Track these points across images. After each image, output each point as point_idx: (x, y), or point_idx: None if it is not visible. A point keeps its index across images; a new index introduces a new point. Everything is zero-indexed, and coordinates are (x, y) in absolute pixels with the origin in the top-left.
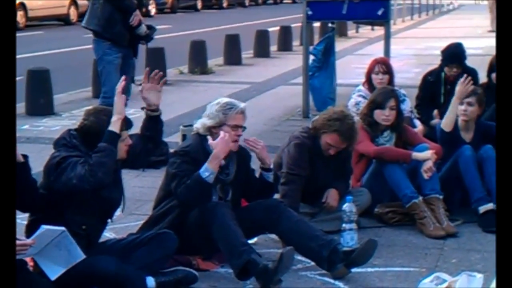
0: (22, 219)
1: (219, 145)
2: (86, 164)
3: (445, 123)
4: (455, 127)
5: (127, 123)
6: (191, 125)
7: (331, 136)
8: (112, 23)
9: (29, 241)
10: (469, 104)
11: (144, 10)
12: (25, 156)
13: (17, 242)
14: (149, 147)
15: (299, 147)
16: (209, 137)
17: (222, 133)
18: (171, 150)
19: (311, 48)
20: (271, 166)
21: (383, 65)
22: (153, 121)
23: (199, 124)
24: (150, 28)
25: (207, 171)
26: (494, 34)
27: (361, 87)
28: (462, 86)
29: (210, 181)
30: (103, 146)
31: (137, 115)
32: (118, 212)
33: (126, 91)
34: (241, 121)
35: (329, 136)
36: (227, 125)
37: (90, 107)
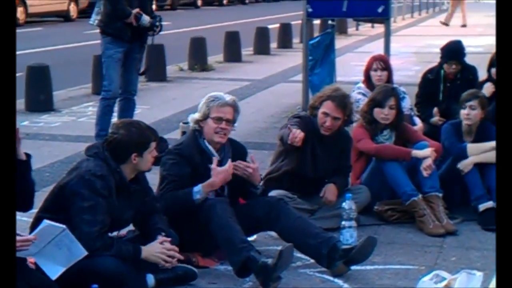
0: (24, 215)
1: (220, 175)
2: (104, 227)
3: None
4: (459, 132)
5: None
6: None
7: (325, 105)
8: (113, 18)
9: (31, 236)
10: (472, 107)
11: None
12: (27, 155)
13: (19, 238)
14: None
15: (298, 118)
16: (214, 159)
17: (227, 166)
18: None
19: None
20: (260, 184)
21: (381, 62)
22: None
23: (189, 118)
24: (155, 17)
25: (199, 194)
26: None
27: (360, 85)
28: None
29: (197, 202)
30: (130, 252)
31: (138, 111)
32: (124, 231)
33: (133, 86)
34: (226, 114)
35: (323, 106)
36: (210, 117)
37: (117, 121)
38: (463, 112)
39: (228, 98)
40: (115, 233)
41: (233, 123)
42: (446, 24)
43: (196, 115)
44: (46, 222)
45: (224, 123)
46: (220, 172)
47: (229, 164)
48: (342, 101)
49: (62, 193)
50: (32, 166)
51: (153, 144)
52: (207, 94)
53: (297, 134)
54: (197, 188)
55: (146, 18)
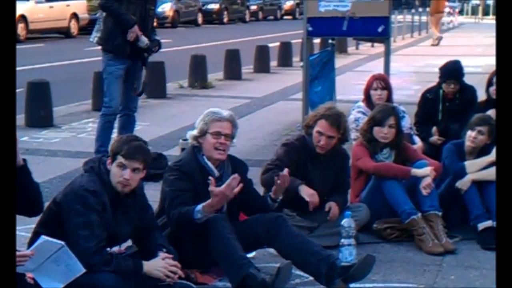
0: (22, 230)
1: (219, 195)
2: (101, 242)
3: (471, 169)
4: (461, 152)
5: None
6: None
7: (320, 124)
8: (113, 36)
9: (28, 252)
10: (480, 132)
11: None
12: (24, 160)
13: (17, 253)
14: None
15: (286, 146)
16: (212, 180)
17: (223, 187)
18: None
19: None
20: (279, 199)
21: (381, 81)
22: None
23: (188, 135)
24: (153, 40)
25: (200, 213)
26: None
27: (360, 103)
28: None
29: (200, 221)
30: (130, 267)
31: (138, 128)
32: (122, 247)
33: (134, 103)
34: (224, 129)
35: (318, 125)
36: (208, 133)
37: (118, 136)
38: (470, 134)
39: (226, 113)
40: (114, 249)
41: (231, 138)
42: (435, 44)
43: (195, 132)
44: (43, 238)
45: (223, 138)
46: (217, 194)
47: (225, 185)
48: (336, 119)
49: (57, 209)
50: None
51: (120, 158)
52: (205, 111)
53: (314, 200)
54: (198, 207)
55: (144, 40)
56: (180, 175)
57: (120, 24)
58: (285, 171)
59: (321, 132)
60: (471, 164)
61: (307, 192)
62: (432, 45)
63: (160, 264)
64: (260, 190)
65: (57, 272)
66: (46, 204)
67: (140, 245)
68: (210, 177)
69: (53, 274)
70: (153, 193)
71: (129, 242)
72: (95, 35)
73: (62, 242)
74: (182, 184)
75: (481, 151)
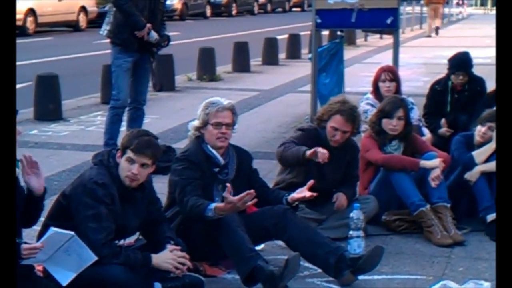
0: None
1: (231, 204)
2: (110, 234)
3: (479, 158)
4: (470, 144)
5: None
6: None
7: (335, 119)
8: (122, 29)
9: (38, 244)
10: (491, 128)
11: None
12: (44, 188)
13: (26, 246)
14: None
15: (302, 130)
16: (228, 187)
17: (236, 198)
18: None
19: None
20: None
21: (390, 73)
22: (33, 202)
23: (190, 126)
24: (162, 36)
25: (211, 212)
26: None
27: (369, 95)
28: None
29: (206, 219)
30: (138, 259)
31: (147, 121)
32: (132, 239)
33: (143, 96)
34: (225, 118)
35: (332, 120)
36: (210, 123)
37: (130, 131)
38: (480, 129)
39: (226, 102)
40: (122, 242)
41: (233, 126)
42: (429, 36)
43: (196, 123)
44: (52, 229)
45: (224, 127)
46: (229, 202)
47: (239, 197)
48: (351, 114)
49: (66, 202)
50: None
51: (129, 152)
52: (204, 101)
53: (325, 154)
54: (211, 206)
55: (154, 35)
56: (188, 165)
57: (130, 24)
58: (310, 183)
59: (337, 127)
60: (478, 154)
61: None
62: (427, 36)
63: (169, 257)
64: (269, 183)
65: (68, 262)
66: (55, 197)
67: (148, 237)
68: (227, 184)
69: (65, 263)
70: (162, 186)
71: (138, 235)
72: (105, 28)
73: (72, 232)
74: (191, 173)
75: None
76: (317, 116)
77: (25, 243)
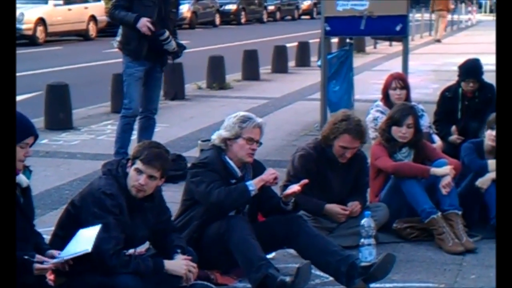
0: (43, 233)
1: (268, 175)
2: (118, 244)
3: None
4: (480, 151)
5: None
6: (209, 140)
7: (343, 138)
8: (129, 39)
9: (49, 266)
10: None
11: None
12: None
13: (38, 266)
14: None
15: (303, 158)
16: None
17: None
18: (189, 165)
19: None
20: (291, 201)
21: (400, 81)
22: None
23: (215, 135)
24: (180, 46)
25: (252, 186)
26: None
27: (379, 103)
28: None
29: (251, 195)
30: (149, 267)
31: (157, 130)
32: (142, 248)
33: (154, 104)
34: (257, 135)
35: (340, 139)
36: (242, 137)
37: (142, 141)
38: (490, 133)
39: (259, 120)
40: (131, 251)
41: (260, 143)
42: (438, 40)
43: (225, 134)
44: (71, 252)
45: (255, 144)
46: (272, 173)
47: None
48: (358, 131)
49: (75, 211)
50: (49, 180)
51: (138, 162)
52: (238, 113)
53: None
54: (249, 182)
55: (173, 44)
56: (210, 168)
57: (128, 27)
58: (303, 182)
59: (346, 147)
60: (493, 163)
61: (335, 212)
62: (437, 40)
63: (181, 262)
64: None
65: (79, 244)
66: (63, 207)
67: (157, 247)
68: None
69: (77, 245)
70: (172, 195)
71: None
72: (115, 39)
73: (88, 249)
74: (213, 175)
75: None
76: (324, 134)
77: (36, 262)
